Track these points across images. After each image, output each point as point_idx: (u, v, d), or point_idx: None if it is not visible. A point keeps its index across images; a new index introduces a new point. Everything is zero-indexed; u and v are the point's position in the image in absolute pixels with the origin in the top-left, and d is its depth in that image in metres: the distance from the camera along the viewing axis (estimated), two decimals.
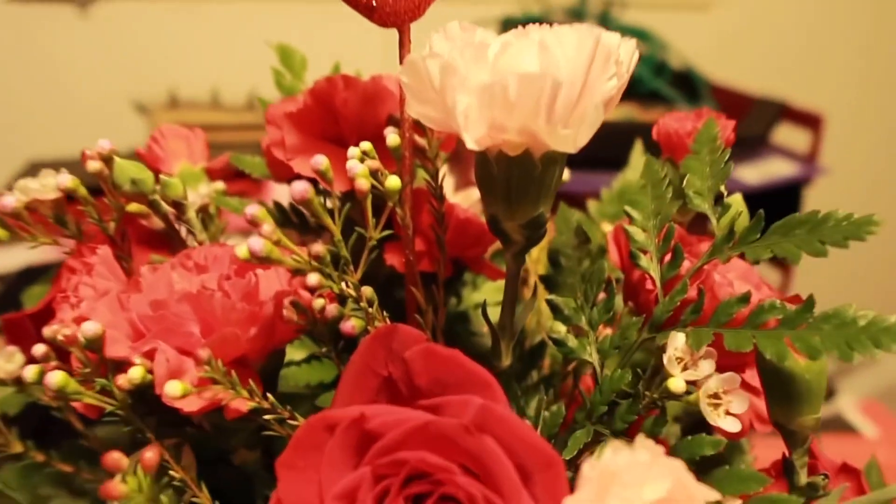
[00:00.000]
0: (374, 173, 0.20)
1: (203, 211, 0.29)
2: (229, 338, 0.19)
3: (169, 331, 0.19)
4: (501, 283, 0.23)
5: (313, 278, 0.18)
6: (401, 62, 0.21)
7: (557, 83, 0.17)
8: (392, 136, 0.22)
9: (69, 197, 0.24)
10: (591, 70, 0.18)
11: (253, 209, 0.18)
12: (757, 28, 1.28)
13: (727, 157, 0.23)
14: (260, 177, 0.30)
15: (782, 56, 1.29)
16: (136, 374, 0.18)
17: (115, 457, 0.17)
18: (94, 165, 0.22)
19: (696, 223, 0.26)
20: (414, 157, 0.23)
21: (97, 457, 0.21)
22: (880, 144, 1.37)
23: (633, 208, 0.23)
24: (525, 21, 0.96)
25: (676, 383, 0.19)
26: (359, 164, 0.20)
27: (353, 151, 0.21)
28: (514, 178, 0.19)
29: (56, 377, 0.19)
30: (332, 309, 0.20)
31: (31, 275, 0.69)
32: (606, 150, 0.96)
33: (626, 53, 0.18)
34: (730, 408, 0.18)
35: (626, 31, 0.91)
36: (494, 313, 0.23)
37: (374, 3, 0.21)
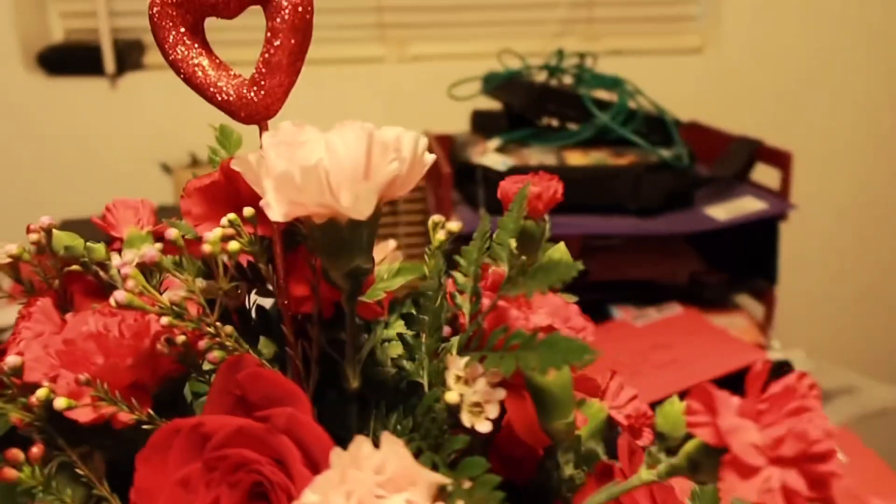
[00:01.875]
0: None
1: (145, 266, 0.36)
2: (115, 366, 0.25)
3: (75, 362, 0.25)
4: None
5: (165, 320, 0.25)
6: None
7: (327, 171, 0.23)
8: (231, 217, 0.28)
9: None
10: (370, 157, 0.24)
11: (126, 268, 0.25)
12: (747, 71, 1.33)
13: (525, 216, 0.29)
14: (190, 238, 0.36)
15: (766, 97, 1.33)
16: (41, 393, 0.24)
17: (13, 452, 0.23)
18: (33, 237, 0.29)
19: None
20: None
21: None
22: (848, 181, 1.40)
23: (462, 257, 0.29)
24: (507, 77, 1.03)
25: (451, 396, 0.24)
26: (211, 233, 0.26)
27: (223, 220, 0.27)
28: (328, 239, 0.25)
29: None
30: (203, 343, 0.26)
31: None
32: (579, 193, 1.02)
33: (408, 142, 0.24)
34: (488, 414, 0.24)
35: (599, 79, 0.97)
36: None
37: (240, 113, 0.28)
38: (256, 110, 0.30)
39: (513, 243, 0.28)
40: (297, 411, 0.23)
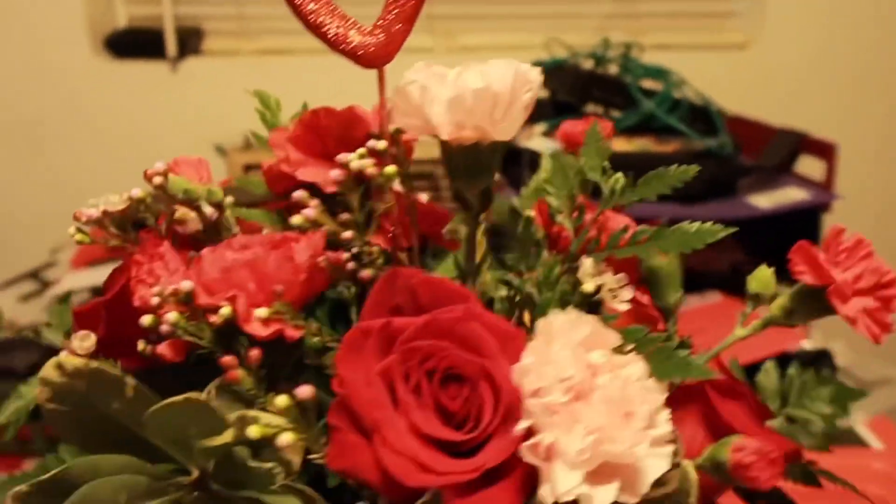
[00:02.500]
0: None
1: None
2: (289, 284, 0.28)
3: (236, 287, 0.29)
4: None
5: (348, 234, 0.29)
6: (380, 94, 0.31)
7: (495, 93, 0.26)
8: (378, 143, 0.31)
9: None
10: (514, 86, 0.27)
11: (299, 194, 0.29)
12: (790, 67, 1.35)
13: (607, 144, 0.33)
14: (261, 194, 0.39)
15: (810, 93, 1.35)
16: (226, 311, 0.28)
17: (229, 358, 0.27)
18: (158, 180, 0.32)
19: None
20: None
21: None
22: (893, 174, 1.41)
23: (550, 185, 0.33)
24: (553, 64, 1.06)
25: (588, 286, 0.29)
26: (357, 159, 0.29)
27: (343, 157, 0.30)
28: (469, 161, 0.29)
29: (172, 315, 0.28)
30: (352, 265, 0.30)
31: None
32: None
33: (535, 76, 0.28)
34: (622, 297, 0.29)
35: (644, 69, 0.99)
36: None
37: (359, 53, 0.31)
38: (378, 55, 0.33)
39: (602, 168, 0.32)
40: (471, 305, 0.26)
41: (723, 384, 0.33)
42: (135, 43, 1.28)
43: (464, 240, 0.32)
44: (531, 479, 0.25)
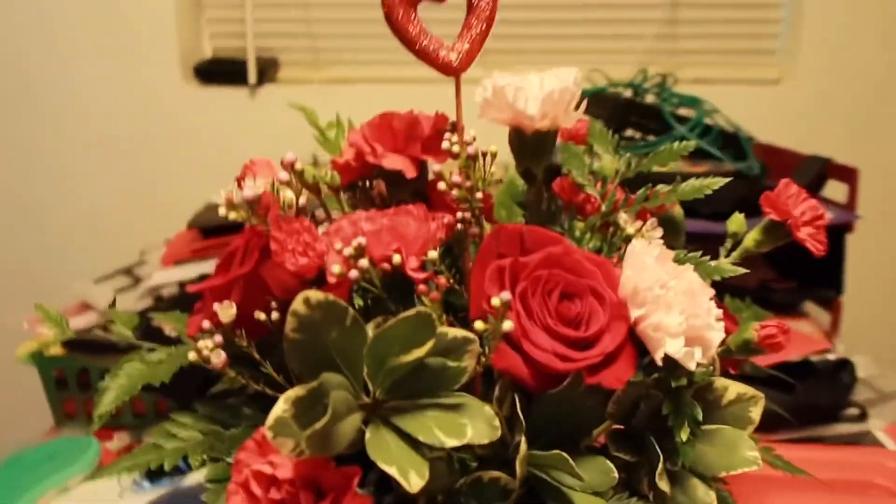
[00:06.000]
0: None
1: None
2: (426, 241, 0.36)
3: (384, 246, 0.36)
4: None
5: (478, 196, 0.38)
6: (457, 99, 0.40)
7: (571, 90, 0.37)
8: (451, 137, 0.39)
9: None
10: (576, 85, 0.38)
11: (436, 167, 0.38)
12: (823, 102, 1.42)
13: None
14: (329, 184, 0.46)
15: (841, 128, 1.41)
16: (397, 259, 0.35)
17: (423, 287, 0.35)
18: (297, 166, 0.39)
19: None
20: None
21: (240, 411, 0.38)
22: None
23: (567, 165, 0.44)
24: (593, 92, 1.14)
25: (629, 230, 0.39)
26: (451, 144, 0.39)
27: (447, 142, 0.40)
28: (539, 144, 0.39)
29: (336, 267, 0.34)
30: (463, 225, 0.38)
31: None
32: None
33: (578, 81, 0.38)
34: (653, 236, 0.39)
35: (679, 98, 1.07)
36: None
37: (443, 60, 0.40)
38: (457, 68, 0.42)
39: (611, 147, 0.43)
40: (566, 243, 0.37)
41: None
42: (219, 71, 1.43)
43: (533, 205, 0.41)
44: (635, 355, 0.36)
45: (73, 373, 0.79)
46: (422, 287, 0.34)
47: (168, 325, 0.52)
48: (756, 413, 0.39)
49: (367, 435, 0.31)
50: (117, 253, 1.09)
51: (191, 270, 0.94)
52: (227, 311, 0.37)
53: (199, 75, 1.43)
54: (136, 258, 1.08)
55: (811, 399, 0.76)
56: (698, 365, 0.35)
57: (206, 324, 0.38)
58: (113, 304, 0.49)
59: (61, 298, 0.95)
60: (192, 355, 0.36)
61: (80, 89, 1.45)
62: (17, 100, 1.46)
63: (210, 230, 1.01)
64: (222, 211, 0.39)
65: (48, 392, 0.81)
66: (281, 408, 0.30)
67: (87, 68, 1.43)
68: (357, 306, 0.39)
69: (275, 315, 0.37)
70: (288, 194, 0.40)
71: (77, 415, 0.81)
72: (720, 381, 0.39)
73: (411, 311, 0.31)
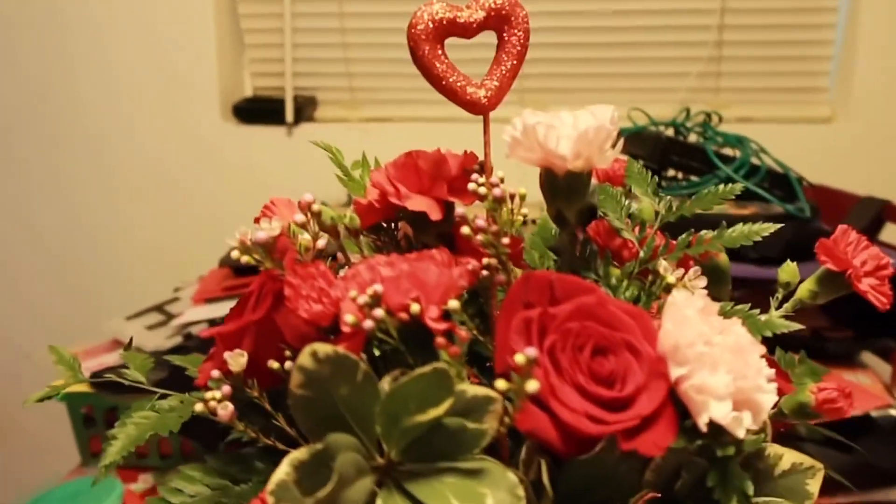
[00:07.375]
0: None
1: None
2: (447, 289, 0.34)
3: (403, 293, 0.33)
4: None
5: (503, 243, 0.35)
6: (485, 137, 0.38)
7: (607, 129, 0.34)
8: (477, 179, 0.37)
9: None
10: (612, 124, 0.35)
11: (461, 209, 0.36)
12: (876, 141, 1.37)
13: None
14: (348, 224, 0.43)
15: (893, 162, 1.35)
16: (415, 308, 0.32)
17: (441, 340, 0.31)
18: (315, 207, 0.38)
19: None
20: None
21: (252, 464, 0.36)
22: None
23: (603, 208, 0.41)
24: (637, 131, 1.12)
25: (670, 279, 0.36)
26: (478, 185, 0.37)
27: (474, 183, 0.37)
28: (573, 185, 0.37)
29: (349, 317, 0.32)
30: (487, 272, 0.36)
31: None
32: None
33: (615, 120, 0.36)
34: (697, 285, 0.37)
35: (724, 137, 1.04)
36: None
37: (471, 98, 0.39)
38: (485, 106, 0.41)
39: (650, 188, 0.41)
40: (600, 293, 0.34)
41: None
42: (258, 110, 1.46)
43: (565, 250, 0.39)
44: (676, 418, 0.32)
45: (101, 411, 0.78)
46: (440, 341, 0.32)
47: (189, 366, 0.50)
48: (814, 486, 0.35)
49: (379, 501, 0.30)
50: (150, 290, 1.09)
51: (221, 309, 0.94)
52: (237, 359, 0.36)
53: (237, 114, 1.46)
54: (169, 295, 1.08)
55: (872, 459, 0.71)
56: (748, 431, 0.31)
57: (216, 373, 0.36)
58: (129, 346, 0.47)
59: (96, 335, 0.96)
60: (198, 407, 0.35)
61: (126, 126, 1.49)
62: (67, 138, 1.51)
63: (242, 268, 1.01)
64: (234, 254, 0.37)
65: (76, 429, 0.80)
66: (283, 471, 0.29)
67: (132, 106, 1.48)
68: (376, 356, 0.37)
69: (288, 364, 0.35)
70: (305, 236, 0.39)
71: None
72: (773, 449, 0.35)
73: (427, 368, 0.29)
